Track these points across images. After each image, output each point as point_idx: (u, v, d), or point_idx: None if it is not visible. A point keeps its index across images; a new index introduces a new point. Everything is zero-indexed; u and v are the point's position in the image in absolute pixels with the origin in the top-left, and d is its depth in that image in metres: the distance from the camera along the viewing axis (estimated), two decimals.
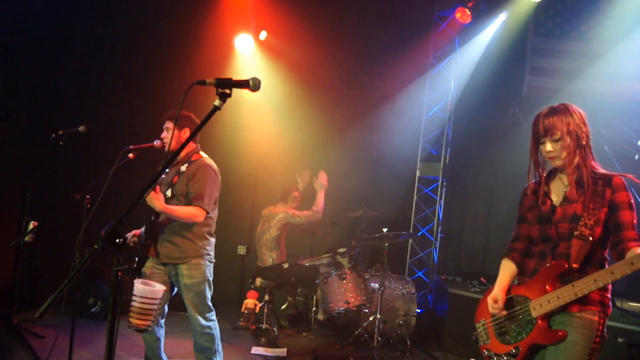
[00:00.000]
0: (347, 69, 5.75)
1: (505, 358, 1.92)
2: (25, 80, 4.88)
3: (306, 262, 4.80)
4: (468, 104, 5.72)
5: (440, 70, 5.84)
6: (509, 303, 1.98)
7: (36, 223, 3.70)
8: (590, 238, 1.80)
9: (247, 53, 5.57)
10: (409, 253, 5.80)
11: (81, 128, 3.34)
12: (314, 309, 4.98)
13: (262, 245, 4.89)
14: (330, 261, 4.67)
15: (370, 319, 4.37)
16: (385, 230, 4.56)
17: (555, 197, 1.97)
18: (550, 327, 1.84)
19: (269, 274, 4.82)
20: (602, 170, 1.92)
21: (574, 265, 1.81)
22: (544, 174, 2.02)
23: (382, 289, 4.30)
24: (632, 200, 1.86)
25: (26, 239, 3.68)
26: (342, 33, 5.64)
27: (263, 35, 5.53)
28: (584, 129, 1.91)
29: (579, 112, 1.94)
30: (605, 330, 1.83)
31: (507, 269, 2.09)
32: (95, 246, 1.44)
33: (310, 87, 5.58)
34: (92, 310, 4.63)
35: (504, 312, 1.97)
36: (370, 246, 5.41)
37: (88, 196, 3.18)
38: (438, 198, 5.71)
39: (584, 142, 1.90)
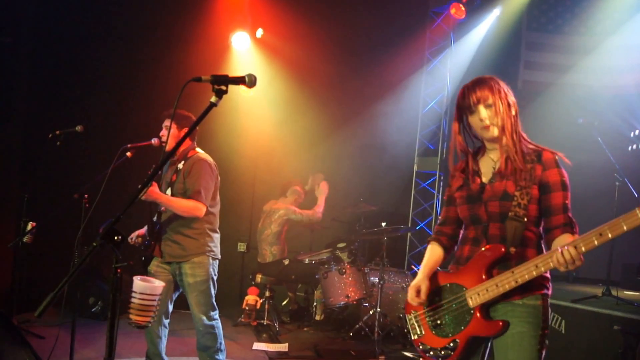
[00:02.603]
0: (344, 65, 5.76)
1: (442, 352, 1.75)
2: (22, 81, 4.87)
3: (306, 258, 4.82)
4: None
5: (435, 65, 5.87)
6: (442, 292, 1.82)
7: (34, 224, 3.69)
8: (525, 219, 1.69)
9: (244, 51, 5.58)
10: (407, 247, 5.84)
11: (78, 128, 3.31)
12: (314, 304, 5.01)
13: (263, 240, 4.91)
14: (330, 256, 4.69)
15: (371, 312, 4.40)
16: (384, 224, 4.58)
17: (485, 175, 1.83)
18: (491, 317, 1.71)
19: (269, 270, 4.84)
20: (531, 145, 1.80)
21: (512, 250, 1.69)
22: (471, 152, 1.89)
23: (381, 282, 4.33)
24: (564, 178, 1.73)
25: (24, 239, 3.67)
26: (337, 30, 5.66)
27: (259, 32, 5.53)
28: (512, 99, 1.81)
29: (505, 84, 1.84)
30: (549, 312, 1.74)
31: (432, 253, 1.95)
32: (94, 243, 1.44)
33: (307, 84, 5.60)
34: (93, 310, 4.63)
35: (423, 303, 1.85)
36: (369, 240, 5.44)
37: (86, 196, 3.16)
38: (436, 192, 5.74)
39: (514, 112, 1.79)
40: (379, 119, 5.74)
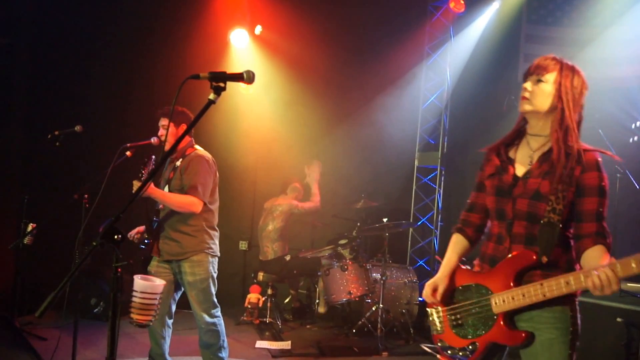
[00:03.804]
0: (343, 61, 5.73)
1: (460, 353, 1.71)
2: (20, 82, 4.85)
3: (308, 255, 4.81)
4: (464, 93, 5.72)
5: (435, 59, 5.84)
6: (466, 291, 1.76)
7: (35, 225, 3.69)
8: (560, 225, 1.58)
9: (243, 48, 5.54)
10: (409, 242, 5.82)
11: (77, 128, 3.29)
12: (317, 300, 5.00)
13: (265, 237, 4.90)
14: (332, 253, 4.68)
15: (373, 308, 4.40)
16: (385, 220, 4.57)
17: (520, 166, 1.70)
18: (516, 324, 1.64)
19: (271, 268, 4.83)
20: (579, 144, 1.63)
21: (544, 259, 1.58)
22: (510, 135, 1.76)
23: (384, 278, 4.32)
24: (603, 183, 1.59)
25: (25, 241, 3.66)
26: (337, 26, 5.62)
27: (258, 29, 5.50)
28: (576, 95, 1.65)
29: (583, 80, 1.68)
30: (578, 313, 1.63)
31: (456, 248, 1.86)
32: (94, 243, 1.44)
33: (307, 81, 5.57)
34: (95, 311, 4.63)
35: (440, 305, 1.80)
36: (371, 237, 5.43)
37: (86, 196, 3.15)
38: (437, 187, 5.72)
39: (569, 103, 1.63)
40: (379, 114, 5.71)
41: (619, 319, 3.32)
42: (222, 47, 5.49)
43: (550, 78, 1.64)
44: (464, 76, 5.71)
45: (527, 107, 1.67)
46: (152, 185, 2.78)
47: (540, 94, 1.64)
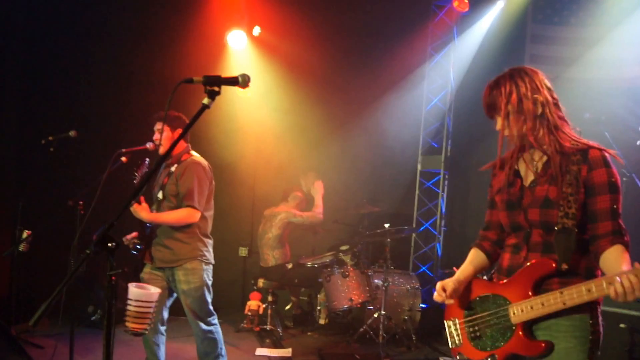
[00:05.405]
0: (344, 62, 5.65)
1: None
2: (13, 86, 4.81)
3: (308, 262, 4.74)
4: (468, 95, 5.63)
5: (438, 60, 5.76)
6: (483, 302, 1.72)
7: (30, 232, 3.64)
8: (576, 230, 1.53)
9: (241, 50, 5.48)
10: (412, 248, 5.74)
11: (71, 133, 3.28)
12: (318, 307, 4.93)
13: (264, 245, 4.83)
14: (333, 259, 4.61)
15: (375, 315, 4.33)
16: (387, 225, 4.49)
17: (526, 177, 1.69)
18: (534, 334, 1.60)
19: (272, 275, 4.77)
20: (578, 142, 1.60)
21: (564, 267, 1.53)
22: (514, 149, 1.74)
23: (385, 285, 4.26)
24: (613, 179, 1.54)
25: (20, 248, 3.63)
26: (337, 26, 5.55)
27: (256, 30, 5.44)
28: (535, 96, 1.60)
29: (530, 76, 1.63)
30: (600, 320, 1.58)
31: (472, 260, 1.84)
32: (87, 251, 1.42)
33: (307, 83, 5.49)
34: (92, 318, 4.57)
35: (450, 301, 1.74)
36: (372, 242, 5.36)
37: (81, 202, 3.14)
38: (440, 191, 5.64)
39: (539, 111, 1.60)
40: (381, 117, 5.63)
41: (622, 325, 3.29)
42: (219, 49, 5.43)
43: (501, 110, 1.64)
44: (468, 77, 5.62)
45: (515, 139, 1.69)
46: (146, 211, 2.78)
47: (514, 125, 1.65)
